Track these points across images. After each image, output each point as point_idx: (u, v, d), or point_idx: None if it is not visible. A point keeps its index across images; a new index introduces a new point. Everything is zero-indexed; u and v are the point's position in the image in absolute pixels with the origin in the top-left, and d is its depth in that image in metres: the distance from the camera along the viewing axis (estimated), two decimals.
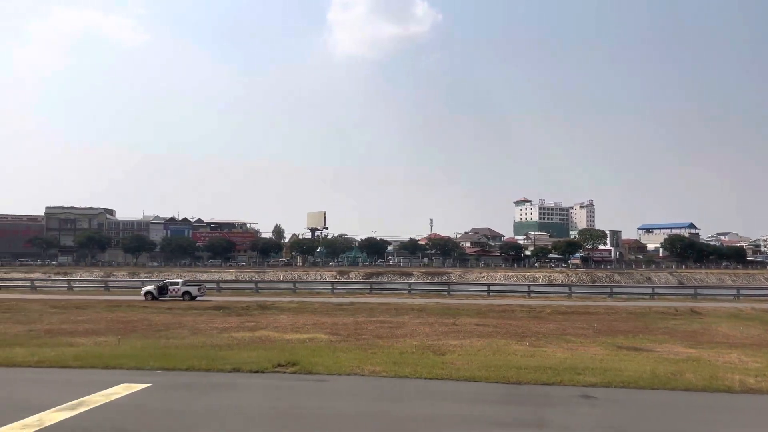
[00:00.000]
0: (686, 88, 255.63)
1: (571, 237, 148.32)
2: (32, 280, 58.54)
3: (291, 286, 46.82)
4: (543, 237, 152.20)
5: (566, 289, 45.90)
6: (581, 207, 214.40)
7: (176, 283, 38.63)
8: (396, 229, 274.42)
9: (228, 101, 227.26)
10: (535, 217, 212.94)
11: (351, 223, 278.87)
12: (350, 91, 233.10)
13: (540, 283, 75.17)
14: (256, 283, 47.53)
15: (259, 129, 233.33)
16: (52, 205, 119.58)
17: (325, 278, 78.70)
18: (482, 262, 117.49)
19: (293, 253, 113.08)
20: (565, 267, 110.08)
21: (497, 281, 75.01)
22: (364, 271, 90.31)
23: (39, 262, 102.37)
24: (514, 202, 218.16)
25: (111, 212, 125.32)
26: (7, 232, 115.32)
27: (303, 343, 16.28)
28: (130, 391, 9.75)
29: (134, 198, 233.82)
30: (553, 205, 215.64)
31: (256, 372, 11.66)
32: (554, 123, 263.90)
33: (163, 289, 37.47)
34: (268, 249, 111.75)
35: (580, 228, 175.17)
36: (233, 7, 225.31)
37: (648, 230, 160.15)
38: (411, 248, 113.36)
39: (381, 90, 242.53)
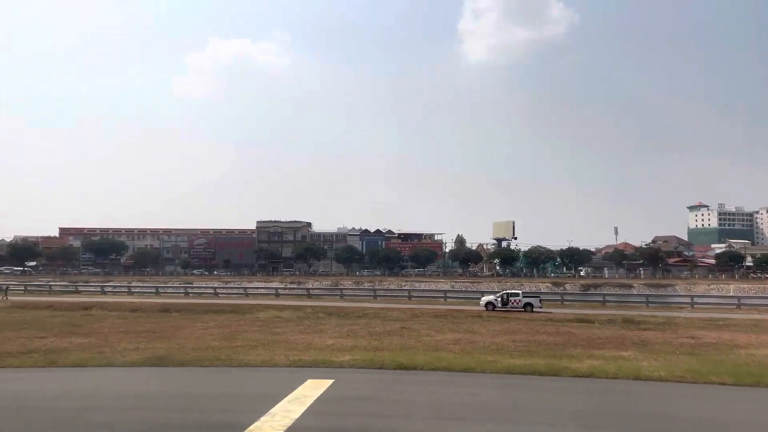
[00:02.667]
0: None
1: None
2: (308, 289, 64.90)
3: (601, 298, 47.97)
4: (740, 245, 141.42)
5: None
6: None
7: (516, 294, 40.71)
8: (560, 239, 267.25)
9: (369, 111, 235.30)
10: (714, 223, 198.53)
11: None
12: (485, 97, 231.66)
13: None
14: (561, 295, 48.98)
15: (414, 138, 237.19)
16: (262, 219, 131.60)
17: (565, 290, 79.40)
18: (685, 272, 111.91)
19: (493, 263, 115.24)
20: None
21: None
22: (580, 282, 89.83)
23: (273, 272, 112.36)
24: (687, 208, 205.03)
25: (309, 225, 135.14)
26: (226, 245, 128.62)
27: None
28: None
29: (307, 209, 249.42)
30: (734, 209, 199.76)
31: None
32: (718, 120, 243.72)
33: (504, 300, 39.75)
34: (468, 259, 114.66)
35: None
36: (363, 22, 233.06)
37: None
38: (617, 258, 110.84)
39: (517, 94, 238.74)
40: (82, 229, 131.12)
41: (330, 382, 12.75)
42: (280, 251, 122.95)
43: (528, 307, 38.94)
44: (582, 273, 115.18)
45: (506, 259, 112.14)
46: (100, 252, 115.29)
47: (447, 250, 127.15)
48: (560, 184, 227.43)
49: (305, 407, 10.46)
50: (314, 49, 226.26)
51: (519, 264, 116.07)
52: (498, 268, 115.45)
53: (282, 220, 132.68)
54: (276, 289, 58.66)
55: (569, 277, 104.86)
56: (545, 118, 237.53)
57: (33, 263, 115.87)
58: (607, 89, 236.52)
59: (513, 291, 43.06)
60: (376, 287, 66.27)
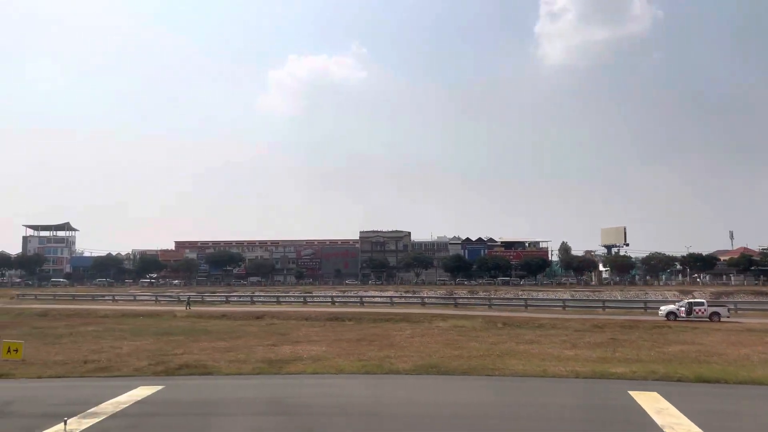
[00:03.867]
0: None
1: None
2: (422, 297, 64.60)
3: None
4: None
5: None
6: None
7: (701, 303, 38.66)
8: (664, 245, 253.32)
9: (447, 120, 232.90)
10: None
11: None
12: (567, 101, 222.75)
13: None
14: (736, 303, 45.73)
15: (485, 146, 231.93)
16: (365, 230, 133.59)
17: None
18: None
19: (600, 271, 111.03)
20: None
21: None
22: (708, 290, 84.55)
23: (380, 281, 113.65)
24: None
25: (409, 234, 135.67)
26: (332, 255, 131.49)
27: None
28: None
29: (394, 219, 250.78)
30: None
31: None
32: None
33: (688, 310, 37.56)
34: (581, 267, 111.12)
35: None
36: (437, 31, 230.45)
37: None
38: (744, 263, 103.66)
39: (601, 96, 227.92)
40: (196, 242, 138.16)
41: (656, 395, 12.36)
42: (388, 261, 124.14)
43: (715, 316, 36.84)
44: (698, 280, 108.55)
45: (623, 266, 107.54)
46: (218, 264, 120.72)
47: (553, 258, 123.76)
48: (649, 185, 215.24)
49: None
50: (390, 61, 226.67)
51: (634, 271, 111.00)
52: (607, 275, 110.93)
53: (382, 230, 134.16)
54: (390, 297, 59.50)
55: (693, 284, 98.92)
56: (633, 118, 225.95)
57: (153, 275, 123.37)
58: (700, 88, 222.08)
59: (697, 300, 41.06)
60: (491, 296, 65.22)
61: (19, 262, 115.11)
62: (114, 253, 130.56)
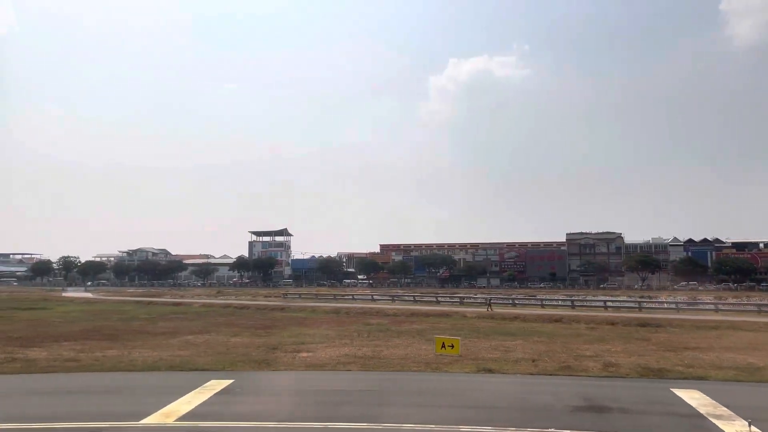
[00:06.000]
0: None
1: None
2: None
3: None
4: None
5: None
6: None
7: None
8: None
9: (619, 115, 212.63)
10: None
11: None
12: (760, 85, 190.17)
13: None
14: None
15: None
16: (571, 232, 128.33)
17: None
18: None
19: None
20: None
21: None
22: None
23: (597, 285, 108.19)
24: None
25: (621, 236, 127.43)
26: (537, 258, 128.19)
27: None
28: None
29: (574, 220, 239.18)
30: None
31: None
32: None
33: None
34: None
35: None
36: (606, 19, 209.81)
37: None
38: None
39: None
40: (398, 245, 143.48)
41: None
42: (610, 263, 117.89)
43: None
44: None
45: None
46: (430, 266, 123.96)
47: None
48: None
49: None
50: (556, 56, 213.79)
51: None
52: None
53: (590, 231, 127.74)
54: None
55: None
56: None
57: (361, 276, 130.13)
58: None
59: None
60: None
61: (254, 265, 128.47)
62: (324, 256, 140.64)
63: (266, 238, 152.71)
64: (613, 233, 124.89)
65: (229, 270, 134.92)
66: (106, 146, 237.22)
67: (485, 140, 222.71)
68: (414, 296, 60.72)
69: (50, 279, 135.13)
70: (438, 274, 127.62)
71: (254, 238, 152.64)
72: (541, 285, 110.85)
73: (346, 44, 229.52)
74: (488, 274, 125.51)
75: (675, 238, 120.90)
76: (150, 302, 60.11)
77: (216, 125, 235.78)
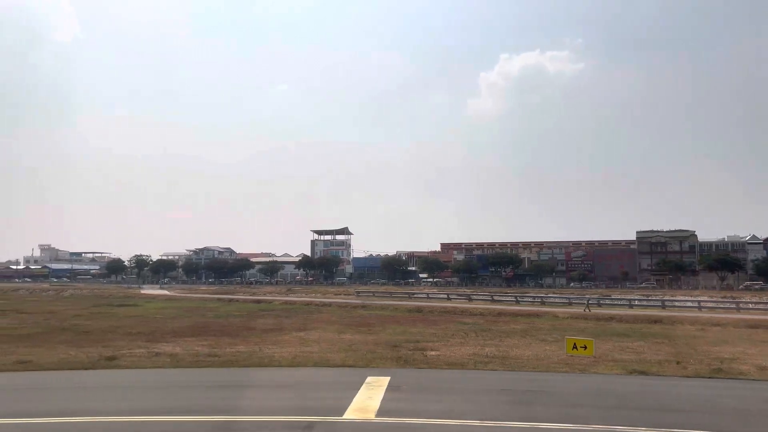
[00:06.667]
0: None
1: None
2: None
3: None
4: None
5: None
6: None
7: None
8: None
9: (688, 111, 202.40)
10: None
11: None
12: None
13: None
14: None
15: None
16: (641, 229, 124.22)
17: None
18: None
19: None
20: None
21: None
22: None
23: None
24: None
25: (695, 234, 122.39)
26: (605, 257, 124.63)
27: None
28: None
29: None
30: None
31: None
32: None
33: None
34: None
35: None
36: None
37: None
38: None
39: None
40: (460, 244, 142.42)
41: None
42: (681, 261, 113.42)
43: None
44: None
45: None
46: (497, 265, 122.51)
47: None
48: None
49: None
50: (613, 50, 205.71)
51: None
52: None
53: (662, 229, 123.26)
54: None
55: None
56: None
57: (423, 275, 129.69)
58: None
59: None
60: None
61: (319, 263, 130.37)
62: (381, 254, 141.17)
63: (327, 237, 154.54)
64: (686, 231, 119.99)
65: (294, 268, 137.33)
66: (166, 146, 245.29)
67: (538, 136, 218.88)
68: (492, 295, 59.86)
69: (123, 277, 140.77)
70: (503, 273, 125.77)
71: (316, 236, 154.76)
72: (606, 286, 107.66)
73: (396, 41, 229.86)
74: (554, 274, 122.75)
75: (753, 235, 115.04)
76: (230, 299, 61.63)
77: (268, 124, 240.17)
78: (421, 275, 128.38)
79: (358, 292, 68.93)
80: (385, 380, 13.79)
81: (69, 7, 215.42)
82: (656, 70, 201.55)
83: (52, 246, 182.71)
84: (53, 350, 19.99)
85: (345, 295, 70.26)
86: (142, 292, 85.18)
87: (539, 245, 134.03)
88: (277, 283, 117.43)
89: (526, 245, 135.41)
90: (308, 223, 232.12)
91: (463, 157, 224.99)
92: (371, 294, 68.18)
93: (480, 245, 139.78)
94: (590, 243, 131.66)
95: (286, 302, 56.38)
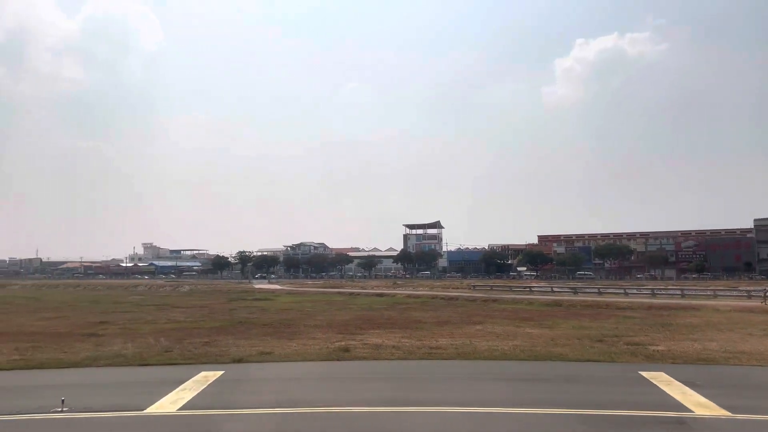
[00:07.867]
0: None
1: None
2: None
3: None
4: None
5: None
6: None
7: None
8: None
9: None
10: None
11: None
12: None
13: None
14: None
15: None
16: (759, 217, 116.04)
17: None
18: None
19: None
20: None
21: None
22: None
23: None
24: None
25: None
26: (719, 247, 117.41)
27: None
28: None
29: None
30: None
31: None
32: None
33: None
34: None
35: None
36: None
37: None
38: None
39: None
40: (558, 236, 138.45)
41: None
42: None
43: None
44: None
45: None
46: (605, 257, 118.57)
47: None
48: None
49: None
50: (694, 30, 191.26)
51: None
52: None
53: None
54: None
55: None
56: None
57: (521, 268, 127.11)
58: None
59: None
60: None
61: (417, 257, 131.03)
62: (471, 248, 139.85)
63: (419, 231, 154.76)
64: None
65: (392, 262, 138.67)
66: (249, 148, 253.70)
67: (621, 123, 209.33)
68: (624, 289, 57.46)
69: (228, 272, 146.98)
70: (609, 265, 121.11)
71: (408, 231, 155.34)
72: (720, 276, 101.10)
73: (467, 31, 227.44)
74: (665, 265, 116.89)
75: None
76: (350, 293, 62.38)
77: (344, 123, 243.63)
78: (519, 268, 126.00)
79: (474, 286, 68.15)
80: (659, 375, 13.22)
81: (152, 16, 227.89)
82: (754, 46, 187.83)
83: (154, 244, 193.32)
84: (278, 341, 20.64)
85: (453, 288, 69.42)
86: (256, 286, 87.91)
87: (644, 236, 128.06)
88: (376, 277, 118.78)
89: (631, 236, 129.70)
90: (385, 218, 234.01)
91: (544, 146, 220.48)
92: (489, 288, 67.22)
93: (580, 237, 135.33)
94: (700, 232, 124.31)
95: (409, 296, 56.35)
